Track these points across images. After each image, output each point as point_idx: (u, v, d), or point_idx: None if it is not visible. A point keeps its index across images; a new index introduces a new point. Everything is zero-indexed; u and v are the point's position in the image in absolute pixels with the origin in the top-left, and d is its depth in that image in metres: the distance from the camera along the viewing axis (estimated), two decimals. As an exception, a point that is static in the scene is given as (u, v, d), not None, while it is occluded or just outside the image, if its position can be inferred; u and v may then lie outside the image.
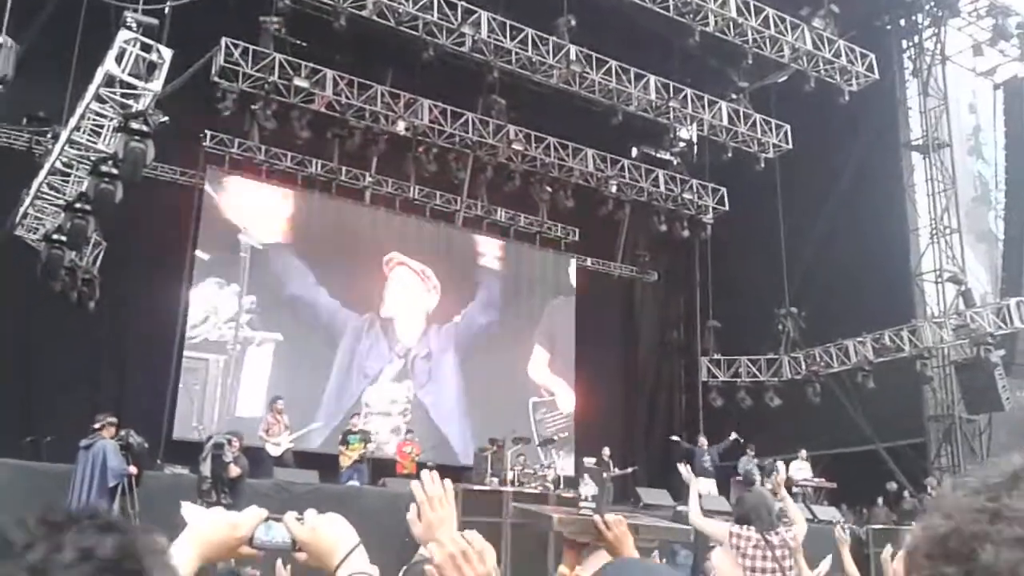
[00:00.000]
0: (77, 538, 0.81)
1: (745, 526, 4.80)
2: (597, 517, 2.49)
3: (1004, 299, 16.52)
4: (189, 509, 1.84)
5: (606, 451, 15.05)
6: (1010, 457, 0.77)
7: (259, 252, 14.85)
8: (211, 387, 13.58)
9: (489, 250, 18.65)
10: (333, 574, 1.64)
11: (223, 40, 13.94)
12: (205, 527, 1.66)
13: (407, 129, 16.13)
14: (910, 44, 19.20)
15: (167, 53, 10.77)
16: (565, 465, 15.83)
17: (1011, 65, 19.33)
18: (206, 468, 9.90)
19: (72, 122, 11.40)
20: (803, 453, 15.57)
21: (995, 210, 19.24)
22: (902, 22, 19.13)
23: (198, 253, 14.30)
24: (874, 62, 16.23)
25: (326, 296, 15.56)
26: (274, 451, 12.43)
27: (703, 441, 15.99)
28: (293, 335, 14.90)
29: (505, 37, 14.49)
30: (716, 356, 18.85)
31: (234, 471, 9.90)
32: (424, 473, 1.97)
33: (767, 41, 15.49)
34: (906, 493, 15.48)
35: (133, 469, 9.39)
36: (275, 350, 14.51)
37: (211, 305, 13.90)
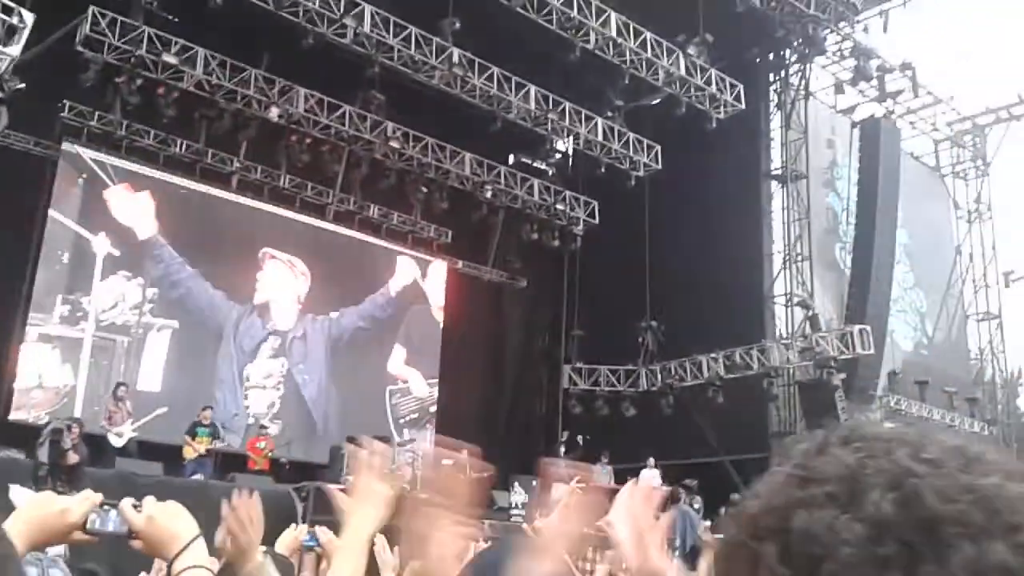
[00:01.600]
0: None
1: None
2: (526, 525, 2.63)
3: (848, 326, 17.53)
4: (18, 492, 1.78)
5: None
6: (822, 431, 0.74)
7: (146, 244, 15.32)
8: (117, 364, 14.55)
9: (368, 254, 18.58)
10: (170, 565, 1.61)
11: (90, 8, 13.31)
12: (33, 511, 1.61)
13: (280, 116, 15.79)
14: (777, 78, 20.15)
15: (29, 17, 10.30)
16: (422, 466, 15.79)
17: (869, 105, 20.60)
18: (43, 454, 9.45)
19: (-82, 80, 10.69)
20: (651, 461, 16.04)
21: (842, 242, 20.38)
22: (771, 56, 20.05)
23: (109, 249, 14.86)
24: (742, 92, 16.96)
25: (208, 287, 15.99)
26: (116, 442, 11.97)
27: (560, 451, 16.33)
28: (186, 322, 15.53)
29: (388, 33, 14.41)
30: (578, 364, 19.26)
31: (72, 458, 9.48)
32: (241, 492, 1.99)
33: (643, 63, 15.96)
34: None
35: (-39, 451, 8.86)
36: (171, 335, 15.24)
37: (120, 293, 14.77)
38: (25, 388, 13.72)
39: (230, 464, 13.25)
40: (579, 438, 16.47)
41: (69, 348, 14.16)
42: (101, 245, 14.77)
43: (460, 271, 19.92)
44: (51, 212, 14.69)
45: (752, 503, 0.71)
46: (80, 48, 13.33)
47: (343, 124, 16.40)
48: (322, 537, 3.74)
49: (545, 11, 14.83)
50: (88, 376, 14.13)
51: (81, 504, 1.62)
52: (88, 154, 15.07)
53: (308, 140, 16.35)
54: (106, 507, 1.64)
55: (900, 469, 0.65)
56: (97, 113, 14.89)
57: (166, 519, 1.64)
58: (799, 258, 18.80)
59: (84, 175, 14.94)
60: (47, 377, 13.74)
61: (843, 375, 17.11)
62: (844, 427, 0.72)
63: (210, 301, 15.93)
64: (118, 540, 1.65)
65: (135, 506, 1.64)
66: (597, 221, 19.49)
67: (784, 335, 18.46)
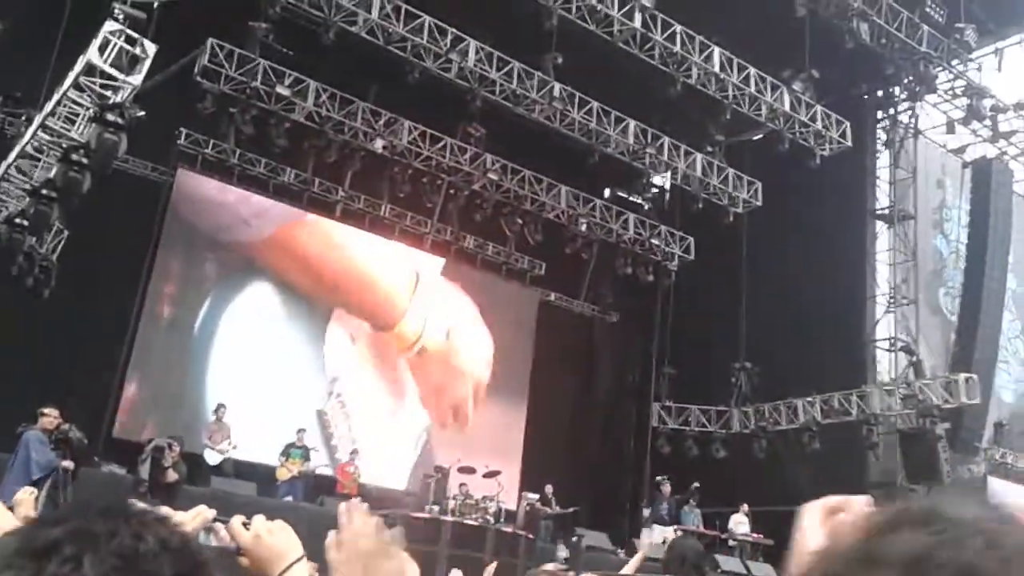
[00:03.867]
0: (150, 529, 0.85)
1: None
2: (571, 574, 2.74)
3: (953, 374, 16.81)
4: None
5: (549, 488, 15.03)
6: (897, 504, 0.73)
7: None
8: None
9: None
10: None
11: (209, 41, 13.91)
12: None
13: (385, 148, 16.16)
14: (885, 115, 19.62)
15: (151, 48, 10.73)
16: (507, 499, 15.81)
17: (981, 146, 19.81)
18: (144, 470, 9.80)
19: (48, 107, 11.28)
20: (744, 508, 15.64)
21: (946, 286, 19.61)
22: (879, 93, 19.54)
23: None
24: (848, 130, 16.54)
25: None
26: (212, 459, 12.33)
27: (666, 489, 15.91)
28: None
29: (491, 67, 14.62)
30: (668, 403, 18.93)
31: (171, 476, 9.80)
32: (354, 501, 1.97)
33: (746, 99, 15.76)
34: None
35: (70, 463, 9.22)
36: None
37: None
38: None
39: (320, 487, 13.47)
40: (695, 485, 15.86)
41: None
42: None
43: (552, 303, 19.92)
44: (163, 237, 15.39)
45: (813, 565, 0.71)
46: (198, 78, 13.92)
47: (444, 156, 16.67)
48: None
49: (647, 46, 14.82)
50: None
51: (194, 519, 1.69)
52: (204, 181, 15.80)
53: (410, 171, 16.68)
54: (216, 523, 1.69)
55: (966, 565, 0.63)
56: (212, 141, 15.53)
57: (273, 538, 1.67)
58: (904, 301, 18.16)
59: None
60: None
61: (947, 425, 16.38)
62: (926, 502, 0.71)
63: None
64: (226, 556, 1.69)
65: (244, 524, 1.68)
66: (692, 257, 19.25)
67: (886, 381, 17.79)
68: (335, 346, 16.89)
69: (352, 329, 17.16)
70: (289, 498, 12.25)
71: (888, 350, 18.18)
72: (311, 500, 12.55)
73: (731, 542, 15.34)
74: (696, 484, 15.71)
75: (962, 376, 16.35)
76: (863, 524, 0.71)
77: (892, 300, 18.35)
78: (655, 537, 13.79)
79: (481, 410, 18.32)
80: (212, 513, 1.71)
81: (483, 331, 18.66)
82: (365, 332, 17.26)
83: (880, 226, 19.00)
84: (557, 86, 15.00)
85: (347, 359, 17.08)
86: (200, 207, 15.76)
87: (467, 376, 18.18)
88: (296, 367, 16.44)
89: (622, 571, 6.02)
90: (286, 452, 12.88)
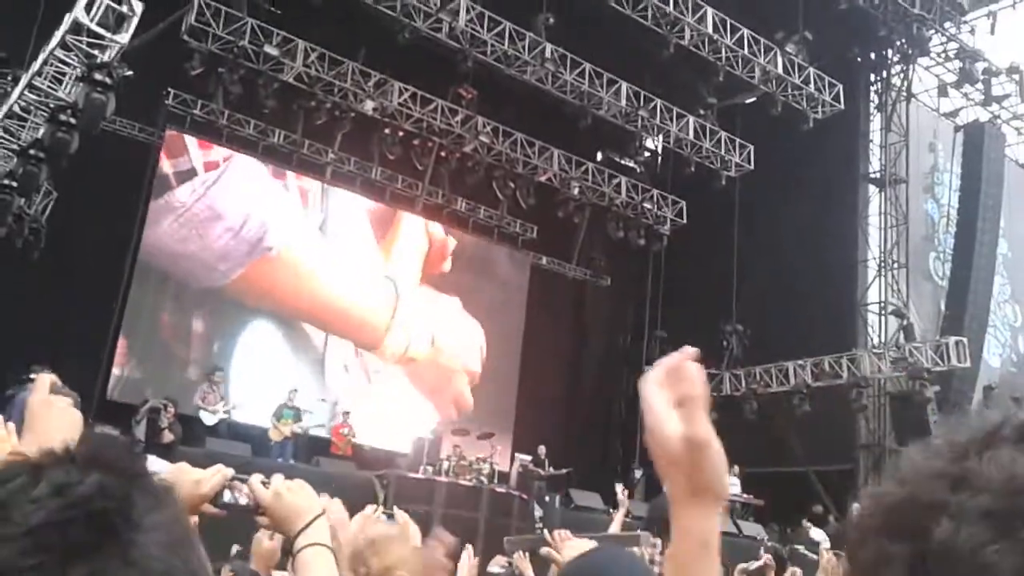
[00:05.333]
0: (61, 473, 0.70)
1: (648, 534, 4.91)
2: (546, 533, 2.91)
3: (944, 337, 16.91)
4: (155, 462, 1.83)
5: (542, 449, 15.10)
6: (987, 415, 0.62)
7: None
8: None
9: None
10: (293, 541, 1.65)
11: (196, -1, 13.71)
12: (170, 481, 1.64)
13: (375, 109, 15.99)
14: (878, 78, 19.54)
15: (138, 6, 10.59)
16: (501, 460, 15.88)
17: (974, 109, 19.79)
18: (139, 431, 9.79)
19: (34, 67, 11.14)
20: (735, 469, 15.75)
21: (937, 251, 19.66)
22: (872, 56, 19.47)
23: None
24: (841, 93, 16.49)
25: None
26: (208, 420, 12.33)
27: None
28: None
29: (483, 28, 14.46)
30: (659, 366, 18.94)
31: (167, 437, 9.80)
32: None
33: (739, 61, 15.66)
34: (831, 517, 15.78)
35: (63, 425, 9.19)
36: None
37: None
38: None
39: (314, 448, 13.49)
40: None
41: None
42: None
43: (544, 267, 19.90)
44: (153, 198, 15.20)
45: (892, 489, 0.60)
46: (185, 38, 13.72)
47: (435, 118, 16.53)
48: (399, 519, 3.63)
49: (640, 7, 14.69)
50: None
51: (213, 476, 1.66)
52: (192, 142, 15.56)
53: (400, 133, 16.54)
54: (235, 481, 1.68)
55: None
56: (200, 102, 15.34)
57: (292, 496, 1.68)
58: (895, 265, 18.21)
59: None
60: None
61: (936, 388, 16.50)
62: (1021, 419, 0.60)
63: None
64: (246, 513, 1.70)
65: (263, 482, 1.68)
66: (684, 221, 19.21)
67: (876, 344, 17.89)
68: (333, 369, 16.61)
69: (345, 353, 16.74)
70: (281, 459, 12.27)
71: (879, 314, 18.26)
72: (306, 461, 12.57)
73: (723, 503, 15.47)
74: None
75: (952, 339, 16.44)
76: (945, 444, 0.61)
77: (883, 264, 18.40)
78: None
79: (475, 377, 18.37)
80: (231, 471, 1.70)
81: (469, 323, 18.31)
82: (351, 353, 16.80)
83: (872, 190, 19.00)
84: (549, 47, 14.87)
85: (345, 383, 16.66)
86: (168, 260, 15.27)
87: (458, 372, 18.02)
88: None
89: (609, 530, 6.03)
90: (278, 413, 12.89)
